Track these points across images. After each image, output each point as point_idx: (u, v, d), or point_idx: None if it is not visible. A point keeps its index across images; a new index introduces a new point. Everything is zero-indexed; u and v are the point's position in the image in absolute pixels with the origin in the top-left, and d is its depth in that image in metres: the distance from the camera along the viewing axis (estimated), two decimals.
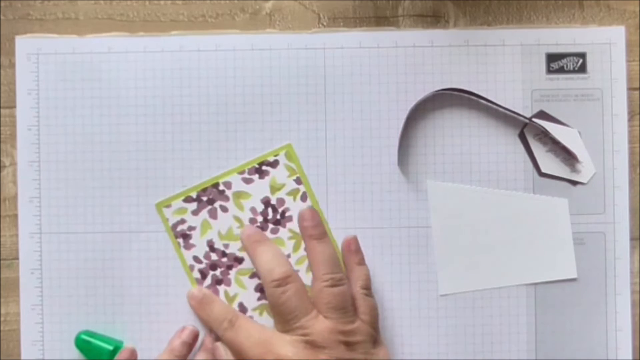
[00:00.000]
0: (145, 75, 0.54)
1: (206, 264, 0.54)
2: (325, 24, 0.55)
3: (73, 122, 0.54)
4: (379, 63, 0.54)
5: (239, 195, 0.54)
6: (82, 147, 0.54)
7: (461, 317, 0.54)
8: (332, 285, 0.50)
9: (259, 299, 0.54)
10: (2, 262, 0.54)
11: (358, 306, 0.51)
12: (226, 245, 0.54)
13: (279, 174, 0.54)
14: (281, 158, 0.54)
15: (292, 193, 0.54)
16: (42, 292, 0.54)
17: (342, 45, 0.54)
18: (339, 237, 0.54)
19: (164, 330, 0.54)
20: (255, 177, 0.54)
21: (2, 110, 0.55)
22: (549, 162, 0.55)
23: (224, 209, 0.54)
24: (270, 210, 0.54)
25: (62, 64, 0.54)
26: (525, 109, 0.54)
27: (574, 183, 0.55)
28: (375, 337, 0.51)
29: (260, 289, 0.54)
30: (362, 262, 0.52)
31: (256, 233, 0.53)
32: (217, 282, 0.54)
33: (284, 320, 0.50)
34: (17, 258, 0.54)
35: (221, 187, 0.54)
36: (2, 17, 0.55)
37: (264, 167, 0.54)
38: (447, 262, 0.54)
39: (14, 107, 0.54)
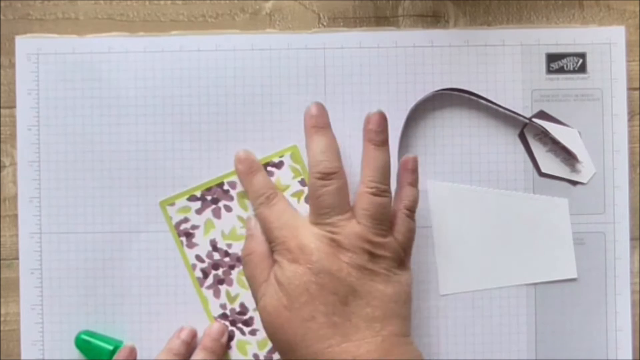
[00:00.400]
0: (145, 75, 0.54)
1: (208, 263, 0.54)
2: (325, 24, 0.55)
3: (73, 122, 0.54)
4: (379, 63, 0.54)
5: (243, 195, 0.54)
6: (82, 147, 0.54)
7: (461, 317, 0.54)
8: (374, 194, 0.48)
9: None
10: (2, 262, 0.54)
11: (396, 224, 0.49)
12: (229, 245, 0.54)
13: (283, 175, 0.54)
14: (286, 159, 0.54)
15: (297, 195, 0.54)
16: (42, 292, 0.54)
17: (342, 45, 0.54)
18: None
19: (164, 330, 0.54)
20: None
21: (2, 110, 0.55)
22: (549, 162, 0.55)
23: (228, 209, 0.54)
24: None
25: (62, 64, 0.54)
26: (525, 109, 0.54)
27: (574, 183, 0.55)
28: (402, 259, 0.49)
29: None
30: (414, 183, 0.51)
31: (320, 120, 0.51)
32: (219, 281, 0.54)
33: (318, 213, 0.49)
34: (17, 258, 0.54)
35: (226, 187, 0.54)
36: (2, 17, 0.55)
37: (269, 168, 0.54)
38: (447, 262, 0.54)
39: (14, 107, 0.54)
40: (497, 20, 0.55)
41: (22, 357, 0.54)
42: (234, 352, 0.54)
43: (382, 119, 0.50)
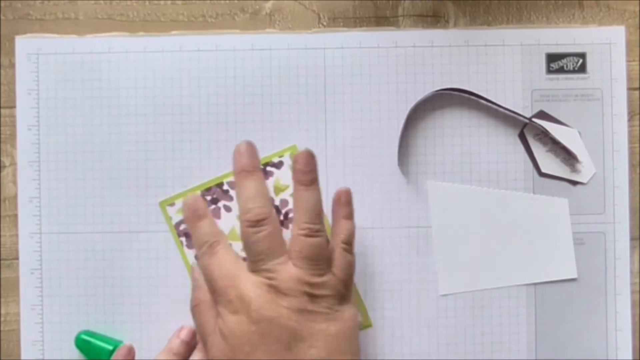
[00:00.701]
0: (145, 75, 0.54)
1: None
2: (325, 24, 0.55)
3: (73, 122, 0.54)
4: (379, 63, 0.54)
5: None
6: (82, 147, 0.54)
7: (461, 317, 0.54)
8: (308, 235, 0.48)
9: None
10: (2, 262, 0.54)
11: (334, 259, 0.49)
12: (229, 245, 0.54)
13: (283, 175, 0.54)
14: (286, 159, 0.54)
15: None
16: (42, 292, 0.54)
17: (342, 45, 0.54)
18: None
19: (164, 330, 0.54)
20: None
21: (2, 110, 0.55)
22: (549, 162, 0.55)
23: (228, 209, 0.54)
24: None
25: (62, 64, 0.54)
26: (525, 109, 0.54)
27: (574, 183, 0.55)
28: (344, 294, 0.49)
29: None
30: (349, 216, 0.50)
31: (249, 163, 0.51)
32: None
33: (253, 260, 0.48)
34: (17, 258, 0.54)
35: (225, 187, 0.54)
36: (2, 17, 0.55)
37: (268, 168, 0.54)
38: (447, 262, 0.54)
39: (14, 107, 0.54)
40: (497, 20, 0.55)
41: (22, 357, 0.54)
42: None
43: (310, 158, 0.50)
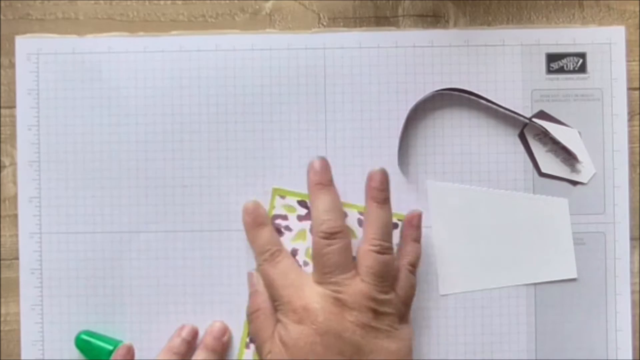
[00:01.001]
0: (145, 75, 0.54)
1: None
2: (325, 24, 0.55)
3: (73, 122, 0.54)
4: (379, 63, 0.54)
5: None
6: (82, 147, 0.54)
7: (461, 317, 0.54)
8: (379, 252, 0.49)
9: None
10: (2, 262, 0.54)
11: (399, 279, 0.50)
12: (306, 263, 0.53)
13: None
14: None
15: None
16: (42, 292, 0.54)
17: (342, 45, 0.54)
18: None
19: (164, 330, 0.54)
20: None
21: (2, 110, 0.55)
22: (549, 162, 0.55)
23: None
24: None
25: (62, 64, 0.54)
26: (525, 109, 0.54)
27: (574, 183, 0.55)
28: (403, 314, 0.50)
29: None
30: (418, 239, 0.52)
31: (323, 178, 0.52)
32: None
33: (322, 272, 0.49)
34: (17, 258, 0.54)
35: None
36: (2, 17, 0.55)
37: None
38: (447, 262, 0.54)
39: (14, 107, 0.54)
40: (497, 20, 0.55)
41: (22, 357, 0.54)
42: (249, 353, 0.54)
43: (384, 177, 0.52)
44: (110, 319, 0.54)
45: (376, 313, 0.48)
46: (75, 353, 0.53)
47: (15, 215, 0.54)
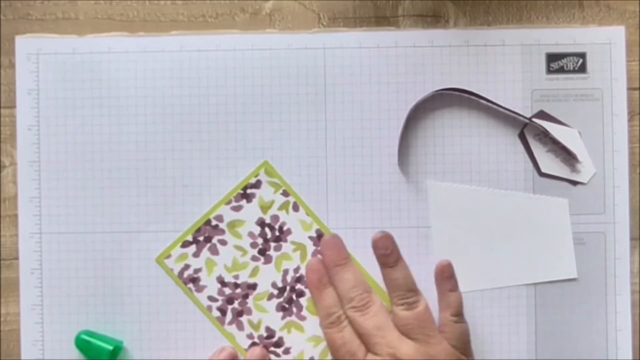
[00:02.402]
0: (145, 75, 0.54)
1: (222, 300, 0.54)
2: (325, 24, 0.55)
3: (73, 122, 0.54)
4: (379, 63, 0.54)
5: (232, 224, 0.54)
6: (82, 147, 0.54)
7: None
8: (408, 309, 0.51)
9: (282, 317, 0.54)
10: (2, 262, 0.54)
11: (447, 332, 0.51)
12: (236, 276, 0.54)
13: (264, 193, 0.54)
14: (262, 177, 0.54)
15: (284, 207, 0.54)
16: (42, 292, 0.54)
17: (342, 45, 0.54)
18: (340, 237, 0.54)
19: (164, 330, 0.54)
20: (243, 202, 0.54)
21: (2, 110, 0.55)
22: (549, 162, 0.55)
23: (223, 243, 0.54)
24: (267, 229, 0.54)
25: (62, 64, 0.54)
26: (525, 109, 0.54)
27: (574, 183, 0.55)
28: (466, 353, 0.51)
29: (281, 308, 0.54)
30: (454, 288, 0.52)
31: (339, 257, 0.53)
32: (238, 314, 0.54)
33: (369, 342, 0.50)
34: (17, 258, 0.54)
35: (214, 222, 0.54)
36: (2, 17, 0.55)
37: (248, 191, 0.54)
38: None
39: (14, 107, 0.54)
40: (497, 20, 0.55)
41: (22, 357, 0.54)
42: None
43: (389, 240, 0.52)
44: (110, 319, 0.54)
45: None
46: (75, 353, 0.53)
47: (15, 215, 0.54)
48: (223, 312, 0.54)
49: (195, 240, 0.54)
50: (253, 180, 0.54)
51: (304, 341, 0.54)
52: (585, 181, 0.55)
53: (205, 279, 0.54)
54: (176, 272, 0.54)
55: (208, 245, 0.54)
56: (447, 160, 0.54)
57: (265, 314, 0.54)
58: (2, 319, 0.54)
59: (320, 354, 0.54)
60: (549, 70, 0.55)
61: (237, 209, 0.54)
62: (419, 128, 0.55)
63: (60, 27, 0.55)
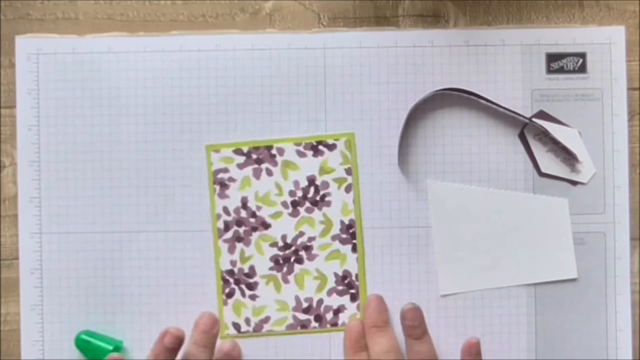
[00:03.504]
0: (145, 75, 0.54)
1: (233, 218, 0.54)
2: (325, 24, 0.55)
3: (73, 122, 0.54)
4: (379, 63, 0.54)
5: (287, 164, 0.54)
6: (82, 147, 0.54)
7: (461, 317, 0.54)
8: None
9: (270, 268, 0.54)
10: (2, 262, 0.54)
11: None
12: (259, 208, 0.54)
13: (332, 158, 0.54)
14: (340, 144, 0.54)
15: (339, 181, 0.54)
16: (42, 292, 0.54)
17: (342, 45, 0.54)
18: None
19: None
20: (310, 153, 0.54)
21: (2, 110, 0.55)
22: (549, 162, 0.55)
23: (269, 173, 0.54)
24: (312, 189, 0.54)
25: (62, 64, 0.54)
26: (525, 109, 0.54)
27: (574, 183, 0.55)
28: None
29: (275, 259, 0.54)
30: None
31: (379, 319, 0.53)
32: (238, 238, 0.54)
33: None
34: (17, 258, 0.54)
35: (273, 151, 0.54)
36: (2, 17, 0.55)
37: (320, 147, 0.54)
38: (447, 262, 0.54)
39: (14, 107, 0.54)
40: (497, 20, 0.55)
41: (22, 357, 0.54)
42: (228, 311, 0.54)
43: (417, 312, 0.52)
44: (110, 319, 0.54)
45: None
46: (75, 353, 0.53)
47: (15, 215, 0.54)
48: (227, 227, 0.54)
49: (248, 154, 0.54)
50: (330, 141, 0.54)
51: (273, 300, 0.54)
52: (585, 181, 0.55)
53: (233, 191, 0.54)
54: (214, 168, 0.54)
55: (255, 166, 0.54)
56: (447, 160, 0.54)
57: (260, 255, 0.54)
58: (2, 319, 0.54)
59: (278, 321, 0.54)
60: (549, 70, 0.55)
61: (301, 154, 0.54)
62: (419, 128, 0.55)
63: (60, 27, 0.55)
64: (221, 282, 0.54)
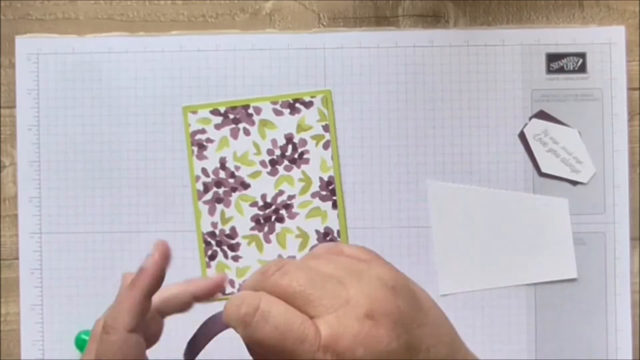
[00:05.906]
0: (145, 75, 0.54)
1: (212, 179, 0.54)
2: (325, 24, 0.55)
3: (73, 122, 0.54)
4: (379, 63, 0.54)
5: (265, 123, 0.54)
6: (82, 147, 0.54)
7: (461, 317, 0.54)
8: None
9: (252, 228, 0.54)
10: (2, 262, 0.54)
11: None
12: (237, 168, 0.54)
13: (309, 115, 0.54)
14: (316, 101, 0.54)
15: (317, 138, 0.54)
16: (42, 292, 0.54)
17: (342, 45, 0.54)
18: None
19: (164, 330, 0.54)
20: (287, 111, 0.54)
21: (2, 110, 0.55)
22: (549, 162, 0.55)
23: (247, 132, 0.54)
24: (290, 147, 0.54)
25: (62, 64, 0.54)
26: (525, 109, 0.54)
27: (574, 183, 0.55)
28: None
29: (256, 219, 0.54)
30: None
31: None
32: (217, 200, 0.54)
33: None
34: (17, 258, 0.54)
35: (250, 110, 0.54)
36: (2, 17, 0.55)
37: (297, 105, 0.54)
38: (447, 262, 0.54)
39: (14, 107, 0.54)
40: (497, 20, 0.55)
41: (22, 357, 0.54)
42: (212, 273, 0.54)
43: None
44: None
45: None
46: (75, 353, 0.53)
47: (15, 215, 0.54)
48: (206, 189, 0.54)
49: (225, 114, 0.54)
50: (307, 99, 0.54)
51: (256, 260, 0.54)
52: (585, 181, 0.55)
53: (211, 152, 0.54)
54: (192, 129, 0.54)
55: (233, 126, 0.54)
56: (447, 160, 0.54)
57: (240, 215, 0.54)
58: (2, 319, 0.54)
59: None
60: (549, 70, 0.55)
61: (278, 113, 0.54)
62: (419, 128, 0.55)
63: (60, 27, 0.55)
64: (203, 245, 0.54)
